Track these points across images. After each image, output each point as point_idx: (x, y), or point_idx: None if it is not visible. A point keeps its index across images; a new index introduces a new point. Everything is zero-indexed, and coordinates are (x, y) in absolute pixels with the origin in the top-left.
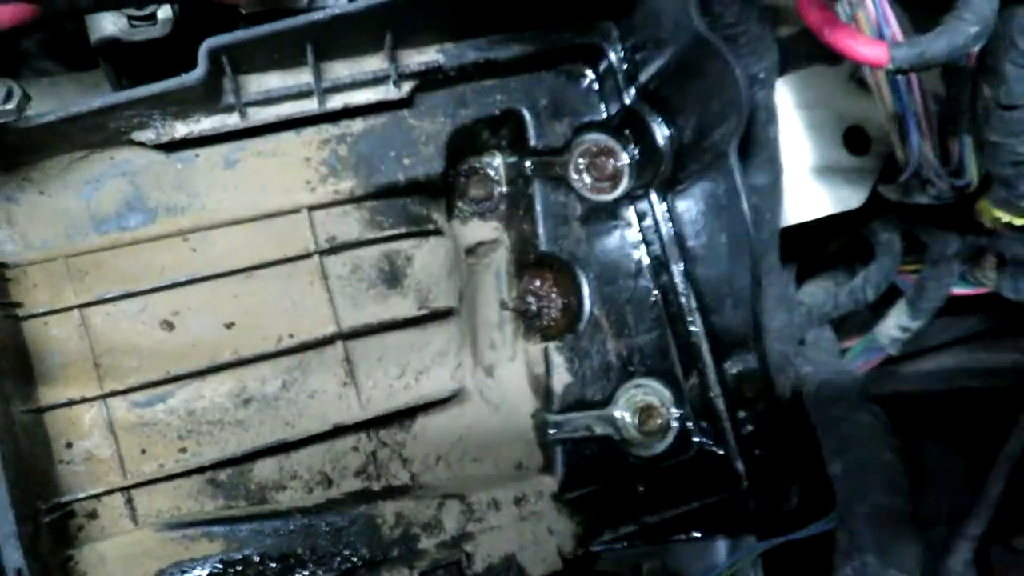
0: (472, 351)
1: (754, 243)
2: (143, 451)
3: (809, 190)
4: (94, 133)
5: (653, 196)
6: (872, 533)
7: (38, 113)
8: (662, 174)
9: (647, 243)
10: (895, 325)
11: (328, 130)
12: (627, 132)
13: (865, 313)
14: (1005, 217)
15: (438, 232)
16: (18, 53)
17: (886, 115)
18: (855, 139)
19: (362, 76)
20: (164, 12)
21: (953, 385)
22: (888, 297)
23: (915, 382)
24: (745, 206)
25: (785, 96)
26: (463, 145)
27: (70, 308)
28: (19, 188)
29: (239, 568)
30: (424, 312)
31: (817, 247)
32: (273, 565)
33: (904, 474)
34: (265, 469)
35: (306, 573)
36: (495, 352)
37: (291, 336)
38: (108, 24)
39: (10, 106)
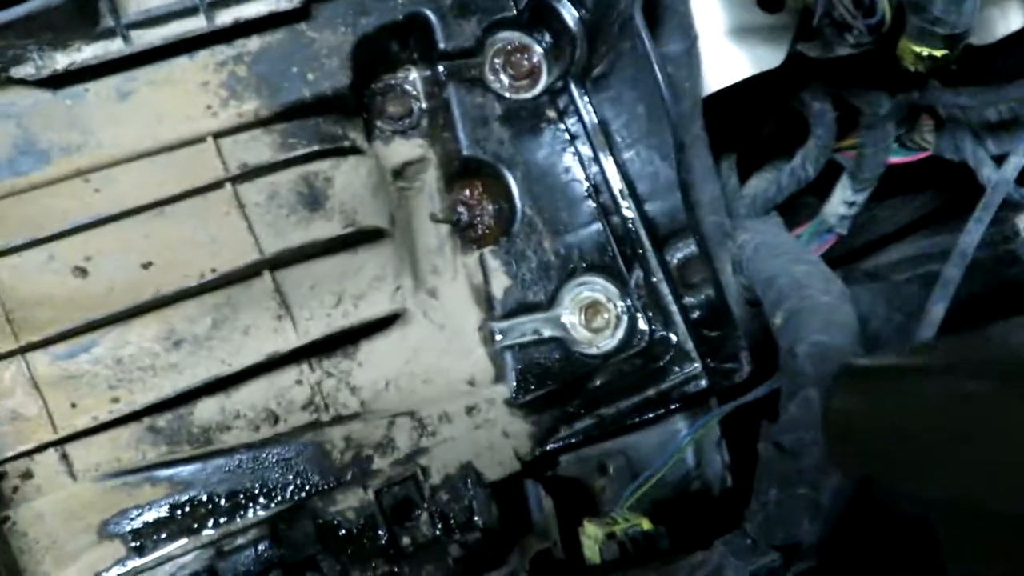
0: (413, 276)
1: (674, 112)
2: (73, 404)
3: (726, 54)
4: None
5: (573, 87)
6: (812, 369)
7: None
8: (578, 61)
9: (572, 136)
10: (840, 201)
11: (223, 51)
12: (539, 24)
13: (813, 204)
14: (924, 51)
15: (357, 151)
16: None
17: None
18: None
19: None
20: None
21: (917, 272)
22: (832, 180)
23: (876, 276)
24: (658, 70)
25: None
26: (372, 59)
27: None
28: None
29: (187, 509)
30: (350, 230)
31: (752, 129)
32: (222, 503)
33: (847, 315)
34: (206, 411)
35: (258, 507)
36: (438, 276)
37: (213, 271)
38: None
39: None
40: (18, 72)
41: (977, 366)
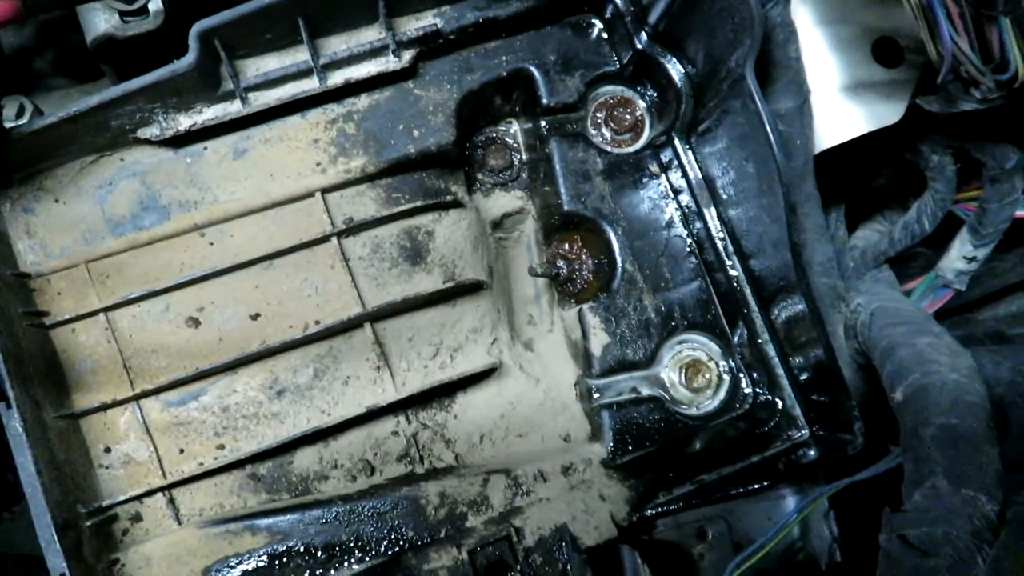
0: (509, 327)
1: (785, 171)
2: (181, 450)
3: (841, 110)
4: (100, 134)
5: (676, 142)
6: (941, 456)
7: (42, 117)
8: (683, 116)
9: (675, 191)
10: (959, 256)
11: (333, 109)
12: (642, 78)
13: (927, 255)
14: None
15: (458, 204)
16: (31, 72)
17: (912, 10)
18: (886, 51)
19: (360, 48)
20: (155, 4)
21: None
22: (949, 231)
23: (993, 326)
24: (769, 129)
25: (804, 13)
26: (475, 114)
27: (95, 312)
28: (35, 198)
29: (284, 560)
30: (451, 285)
31: (863, 182)
32: (319, 554)
33: (978, 395)
34: (305, 460)
35: (353, 560)
36: (534, 327)
37: (317, 322)
38: (101, 23)
39: (23, 120)
40: (144, 133)
41: None
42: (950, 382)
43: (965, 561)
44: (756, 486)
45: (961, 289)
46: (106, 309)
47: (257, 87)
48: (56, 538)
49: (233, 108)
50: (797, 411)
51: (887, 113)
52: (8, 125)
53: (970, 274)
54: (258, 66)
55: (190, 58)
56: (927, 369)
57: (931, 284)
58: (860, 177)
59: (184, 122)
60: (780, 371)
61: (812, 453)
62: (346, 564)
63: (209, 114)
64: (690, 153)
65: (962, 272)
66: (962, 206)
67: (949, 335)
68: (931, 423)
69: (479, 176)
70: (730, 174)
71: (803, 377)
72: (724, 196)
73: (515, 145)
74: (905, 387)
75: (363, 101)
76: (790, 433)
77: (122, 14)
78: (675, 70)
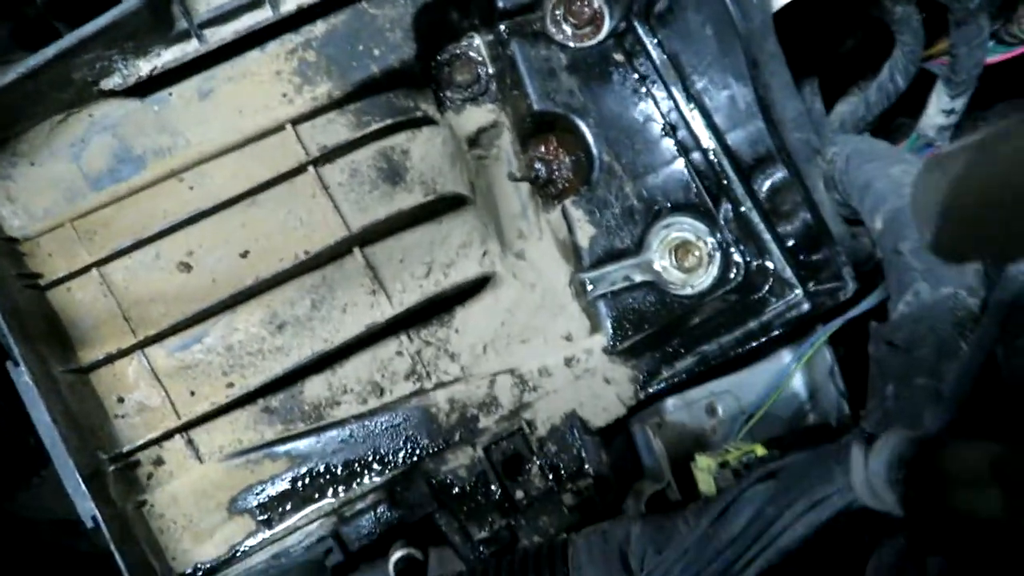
0: (499, 241)
1: (744, 29)
2: (192, 393)
3: None
4: (63, 89)
5: (637, 26)
6: (920, 263)
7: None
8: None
9: (643, 77)
10: (937, 111)
11: (291, 39)
12: None
13: (908, 123)
14: None
15: (430, 121)
16: None
17: None
18: None
19: None
20: None
21: None
22: (926, 92)
23: None
24: None
25: None
26: (435, 30)
27: (87, 268)
28: (10, 164)
29: (307, 481)
30: (432, 198)
31: (832, 47)
32: (339, 472)
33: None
34: (315, 388)
35: (373, 473)
36: (524, 240)
37: (307, 252)
38: None
39: None
40: (107, 83)
41: None
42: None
43: (950, 347)
44: (755, 345)
45: (944, 145)
46: (97, 264)
47: (211, 23)
48: (82, 483)
49: (191, 47)
50: (788, 272)
51: None
52: None
53: (951, 128)
54: (208, 1)
55: None
56: (901, 192)
57: (914, 145)
58: (828, 41)
59: (144, 67)
60: (768, 237)
61: (806, 307)
62: (367, 478)
63: (168, 56)
64: (652, 35)
65: (943, 127)
66: (935, 62)
67: (919, 163)
68: (908, 237)
69: (448, 94)
70: (693, 46)
71: (791, 241)
72: (689, 70)
73: (480, 59)
74: (883, 214)
75: (320, 27)
76: (784, 294)
77: None
78: None
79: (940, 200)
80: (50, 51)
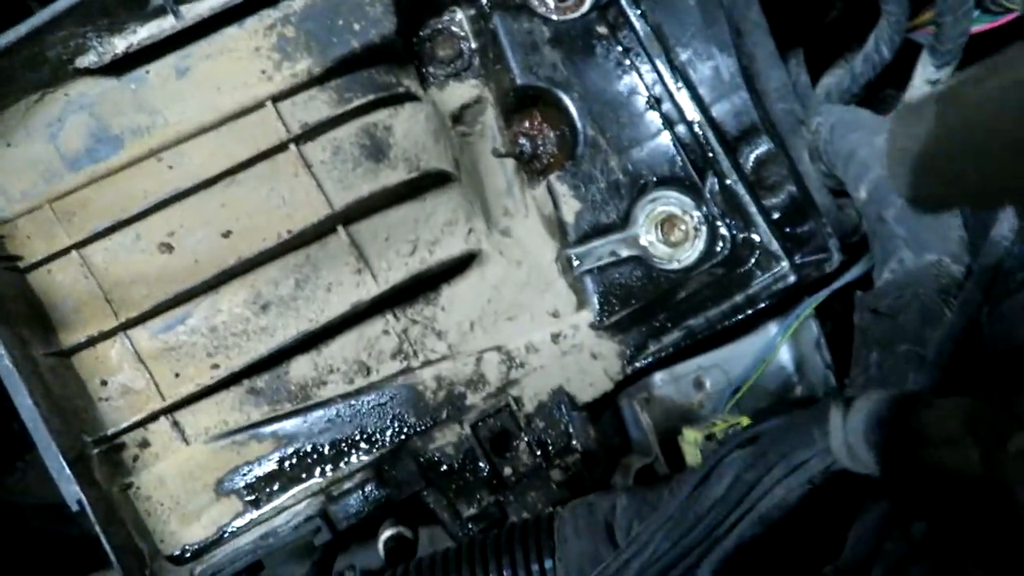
0: (485, 218)
1: (729, 1)
2: (176, 375)
3: None
4: (38, 67)
5: None
6: (904, 230)
7: None
8: None
9: (626, 49)
10: (922, 81)
11: (269, 14)
12: None
13: (895, 95)
14: None
15: (413, 97)
16: None
17: None
18: None
19: None
20: None
21: None
22: (912, 64)
23: None
24: None
25: None
26: (416, 3)
27: (67, 250)
28: None
29: (294, 461)
30: (415, 175)
31: (815, 17)
32: (327, 451)
33: None
34: (301, 368)
35: (361, 452)
36: (509, 218)
37: (289, 231)
38: None
39: None
40: (83, 62)
41: None
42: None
43: (934, 313)
44: (741, 317)
45: None
46: (77, 245)
47: None
48: (66, 466)
49: (167, 24)
50: (775, 245)
51: None
52: None
53: None
54: None
55: None
56: (884, 163)
57: None
58: (812, 11)
59: (120, 44)
60: (753, 210)
61: (792, 279)
62: (355, 457)
63: (144, 33)
64: (635, 6)
65: None
66: (921, 32)
67: None
68: (892, 204)
69: (431, 70)
70: (676, 16)
71: (777, 213)
72: (673, 42)
73: (462, 33)
74: (867, 183)
75: (298, 2)
76: (770, 267)
77: None
78: None
79: (915, 150)
80: (22, 28)
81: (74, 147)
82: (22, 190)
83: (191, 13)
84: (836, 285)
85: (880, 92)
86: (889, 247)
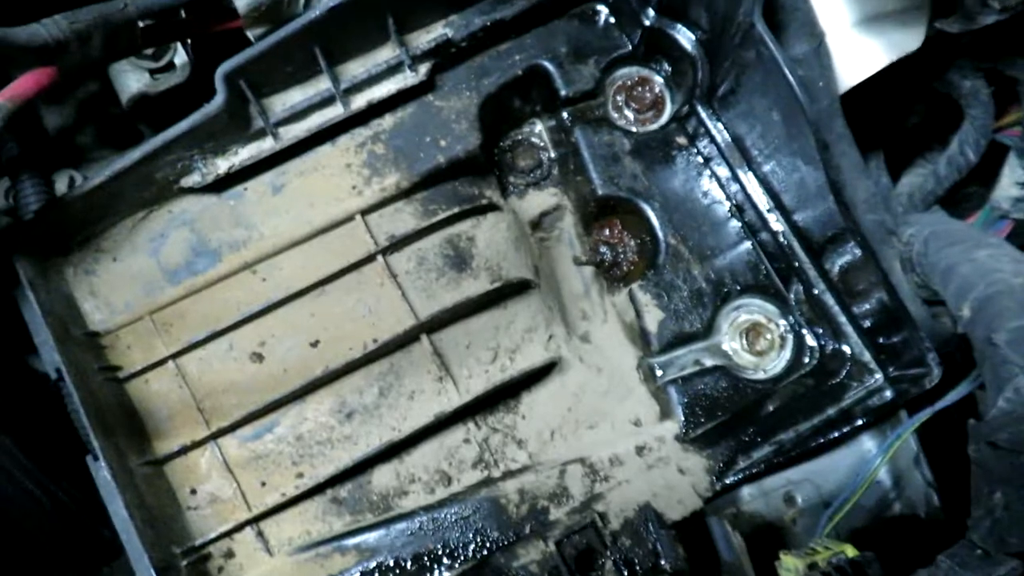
0: (564, 324)
1: (812, 112)
2: (263, 483)
3: (859, 45)
4: (146, 188)
5: (700, 109)
6: (1019, 356)
7: (90, 179)
8: (701, 82)
9: (707, 159)
10: (1011, 183)
11: (361, 133)
12: (655, 54)
13: (980, 192)
14: None
15: (494, 207)
16: (75, 147)
17: None
18: None
19: (377, 68)
20: (180, 58)
21: None
22: (998, 164)
23: None
24: (787, 69)
25: None
26: (498, 118)
27: (164, 360)
28: (95, 260)
29: (376, 575)
30: (498, 285)
31: (897, 122)
32: (409, 566)
33: None
34: (383, 478)
35: (443, 567)
36: (588, 322)
37: (375, 340)
38: (133, 83)
39: (75, 192)
40: (187, 182)
41: None
42: (1016, 286)
43: None
44: (836, 434)
45: (1020, 218)
46: (174, 356)
47: (286, 121)
48: None
49: (266, 145)
50: (867, 356)
51: (906, 40)
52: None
53: None
54: (284, 100)
55: (219, 100)
56: (991, 279)
57: (987, 218)
58: (893, 117)
59: (222, 165)
60: (843, 319)
61: (888, 394)
62: (437, 572)
63: (244, 154)
64: (715, 118)
65: (1018, 199)
66: (1006, 133)
67: (1008, 244)
68: (1003, 328)
69: (511, 179)
70: (757, 128)
71: (868, 322)
72: (755, 152)
73: (541, 144)
74: (971, 301)
75: (388, 120)
76: (864, 379)
77: (151, 72)
78: (685, 38)
79: None
80: (135, 154)
81: (174, 260)
82: (125, 302)
83: (289, 135)
84: (940, 405)
85: (961, 190)
86: (1002, 373)
